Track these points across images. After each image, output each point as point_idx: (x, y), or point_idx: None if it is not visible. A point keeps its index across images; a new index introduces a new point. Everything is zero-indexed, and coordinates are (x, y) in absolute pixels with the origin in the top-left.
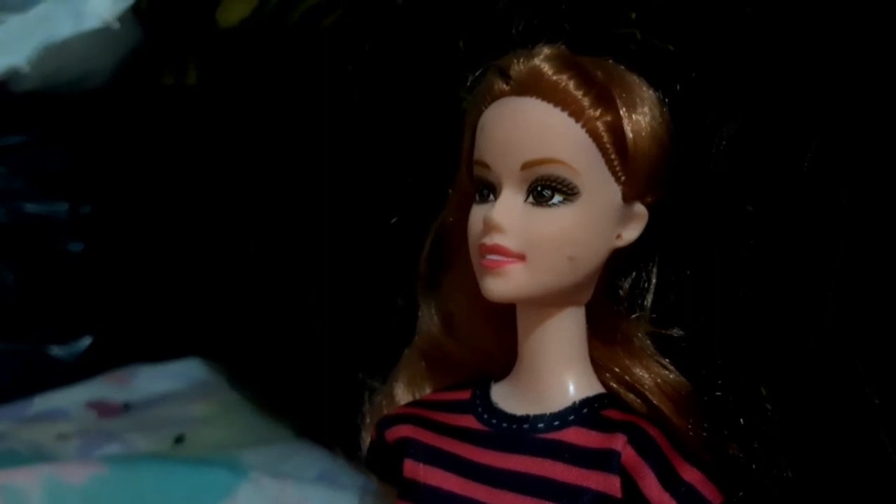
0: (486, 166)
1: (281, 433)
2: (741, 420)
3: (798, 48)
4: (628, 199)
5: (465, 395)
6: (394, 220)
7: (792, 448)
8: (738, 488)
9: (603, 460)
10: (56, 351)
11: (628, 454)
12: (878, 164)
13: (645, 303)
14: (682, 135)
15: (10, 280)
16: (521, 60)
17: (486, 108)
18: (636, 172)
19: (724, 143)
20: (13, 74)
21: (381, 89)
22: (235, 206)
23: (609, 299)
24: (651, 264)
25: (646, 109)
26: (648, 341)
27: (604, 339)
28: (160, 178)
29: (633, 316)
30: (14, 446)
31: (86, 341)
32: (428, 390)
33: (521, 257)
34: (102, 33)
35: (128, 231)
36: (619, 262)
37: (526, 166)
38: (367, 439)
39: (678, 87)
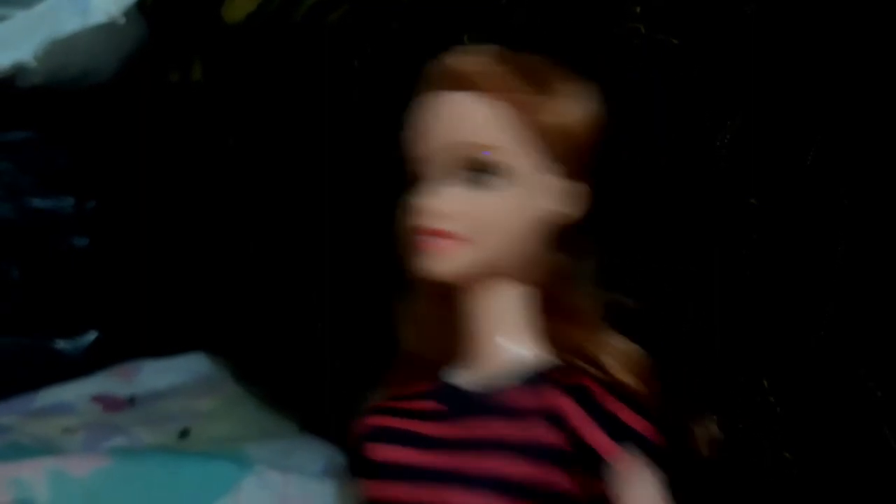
0: (420, 160)
1: (285, 427)
2: (744, 411)
3: (800, 45)
4: (560, 176)
5: (427, 385)
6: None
7: (795, 440)
8: (742, 479)
9: (547, 416)
10: (61, 345)
11: (569, 407)
12: (880, 160)
13: (598, 281)
14: (686, 129)
15: (16, 275)
16: (448, 58)
17: (420, 102)
18: (565, 152)
19: (727, 137)
20: (19, 70)
21: (384, 85)
22: (239, 203)
23: (567, 279)
24: (602, 244)
25: (571, 95)
26: (605, 317)
27: (563, 316)
28: (165, 175)
29: (590, 294)
30: (20, 439)
31: (91, 336)
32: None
33: (459, 237)
34: (108, 29)
35: (133, 226)
36: (575, 242)
37: (457, 153)
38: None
39: (682, 81)
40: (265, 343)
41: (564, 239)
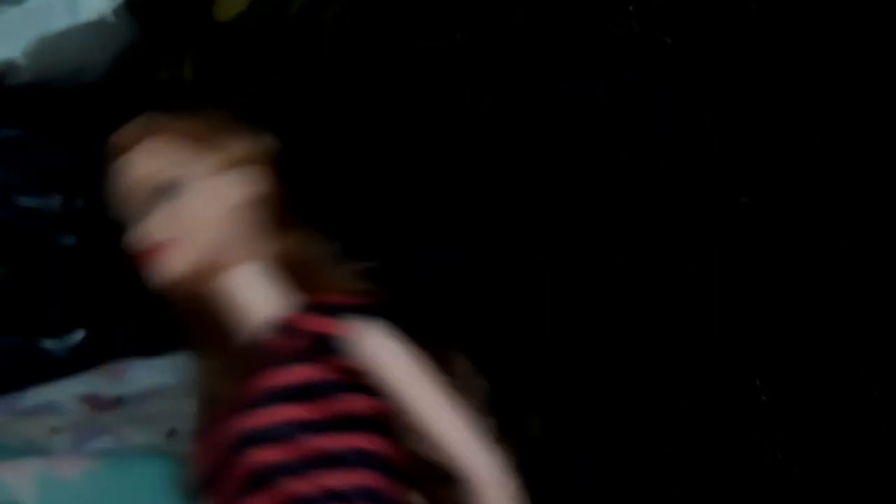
0: (124, 201)
1: None
2: (736, 410)
3: (795, 44)
4: (228, 171)
5: None
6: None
7: (787, 439)
8: (735, 478)
9: (284, 333)
10: (49, 345)
11: (297, 317)
12: (875, 160)
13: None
14: (681, 127)
15: (3, 273)
16: (122, 133)
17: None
18: (219, 158)
19: (720, 136)
20: (8, 67)
21: (379, 82)
22: None
23: (302, 251)
24: None
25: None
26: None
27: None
28: None
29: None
30: (6, 440)
31: (79, 335)
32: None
33: (168, 243)
34: (98, 26)
35: (121, 225)
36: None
37: (145, 185)
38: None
39: (675, 79)
40: None
41: (278, 217)
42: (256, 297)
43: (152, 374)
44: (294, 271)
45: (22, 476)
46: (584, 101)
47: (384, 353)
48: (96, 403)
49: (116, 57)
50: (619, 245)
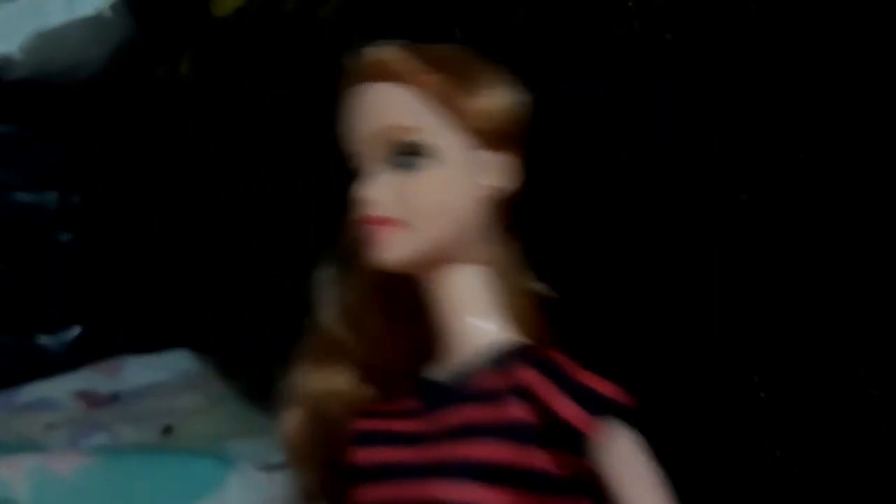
0: (352, 156)
1: (269, 425)
2: (735, 407)
3: (795, 40)
4: (483, 148)
5: (413, 384)
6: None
7: (786, 437)
8: (732, 477)
9: (514, 392)
10: (44, 341)
11: (530, 377)
12: (874, 156)
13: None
14: (680, 124)
15: None
16: (359, 56)
17: (344, 102)
18: (480, 125)
19: (720, 133)
20: (5, 62)
21: None
22: (226, 198)
23: (512, 257)
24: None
25: (480, 71)
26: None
27: (517, 294)
28: (151, 170)
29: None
30: (1, 436)
31: (74, 332)
32: (333, 370)
33: (397, 222)
34: (95, 22)
35: (118, 222)
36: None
37: (379, 141)
38: (282, 421)
39: (676, 77)
40: (250, 340)
41: (504, 216)
42: (471, 309)
43: (148, 371)
44: (505, 286)
45: (15, 471)
46: (584, 99)
47: (629, 469)
48: (92, 400)
49: (113, 53)
50: (618, 244)
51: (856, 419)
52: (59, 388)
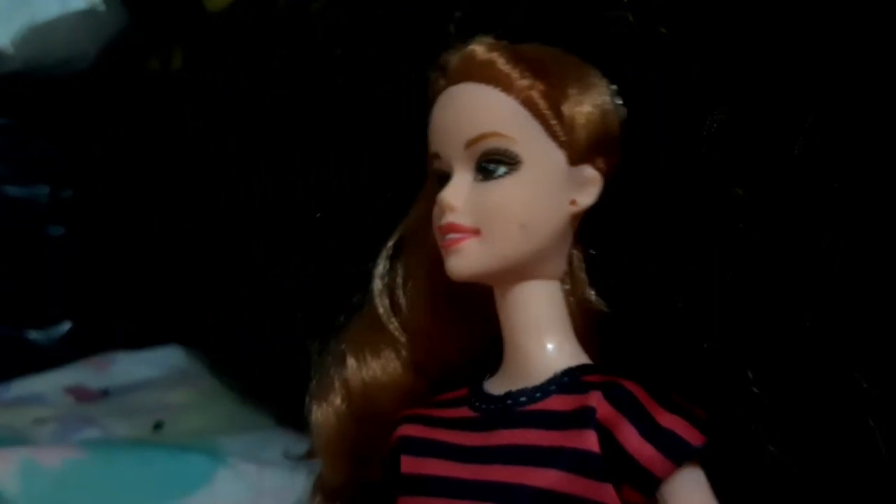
0: (437, 157)
1: (261, 421)
2: (728, 403)
3: (791, 33)
4: (574, 162)
5: (463, 391)
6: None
7: (780, 433)
8: (725, 473)
9: (580, 418)
10: (34, 335)
11: (603, 408)
12: (870, 151)
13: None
14: (673, 118)
15: None
16: (455, 53)
17: (433, 105)
18: (577, 136)
19: (714, 126)
20: None
21: (368, 74)
22: (217, 193)
23: (580, 272)
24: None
25: (580, 77)
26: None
27: (583, 313)
28: (142, 164)
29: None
30: None
31: (65, 326)
32: (376, 363)
33: (476, 232)
34: (87, 15)
35: (109, 216)
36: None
37: (468, 146)
38: (314, 407)
39: (670, 70)
40: (242, 336)
41: (579, 230)
42: (541, 326)
43: (139, 367)
44: (571, 302)
45: (3, 464)
46: None
47: None
48: (82, 395)
49: (105, 46)
50: (611, 241)
51: (850, 415)
52: (49, 383)
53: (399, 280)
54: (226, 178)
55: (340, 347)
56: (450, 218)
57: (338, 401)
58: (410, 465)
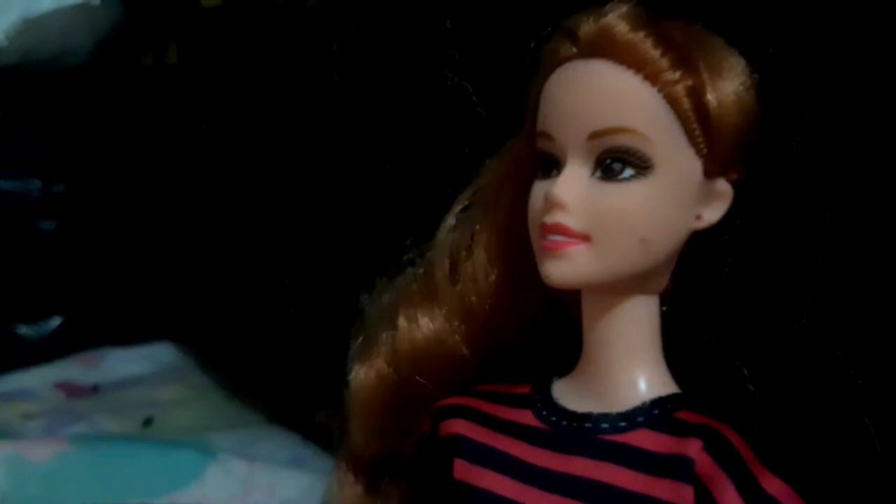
0: (549, 137)
1: (252, 418)
2: (723, 399)
3: (786, 28)
4: (711, 174)
5: (525, 388)
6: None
7: (774, 429)
8: None
9: (674, 467)
10: (24, 330)
11: (703, 461)
12: (866, 147)
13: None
14: None
15: None
16: (591, 20)
17: (551, 73)
18: (720, 145)
19: None
20: None
21: (365, 70)
22: (210, 189)
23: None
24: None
25: (732, 75)
26: None
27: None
28: (135, 159)
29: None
30: None
31: (55, 321)
32: (425, 328)
33: (586, 238)
34: (82, 9)
35: (101, 211)
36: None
37: (593, 136)
38: (356, 367)
39: None
40: (233, 332)
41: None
42: (633, 345)
43: (129, 363)
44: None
45: None
46: None
47: None
48: (71, 390)
49: (100, 41)
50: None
51: (846, 412)
52: (38, 379)
53: (465, 244)
54: (219, 174)
55: (392, 306)
56: (558, 217)
57: (383, 361)
58: (465, 471)
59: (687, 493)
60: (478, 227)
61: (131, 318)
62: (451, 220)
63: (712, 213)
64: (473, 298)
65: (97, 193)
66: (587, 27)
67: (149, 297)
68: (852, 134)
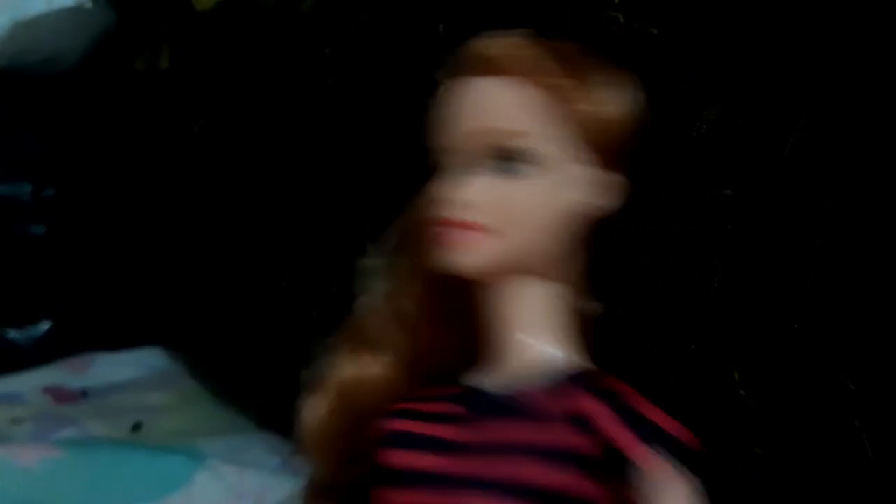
0: (449, 150)
1: (241, 424)
2: (714, 404)
3: (781, 33)
4: (596, 167)
5: (450, 386)
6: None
7: (765, 435)
8: (712, 473)
9: (573, 419)
10: (13, 335)
11: (588, 403)
12: (860, 151)
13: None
14: (664, 118)
15: None
16: (481, 43)
17: (448, 91)
18: (600, 141)
19: (704, 126)
20: None
21: (359, 73)
22: (201, 194)
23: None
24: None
25: (609, 80)
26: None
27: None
28: (126, 164)
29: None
30: None
31: (44, 326)
32: (370, 360)
33: (486, 229)
34: (74, 12)
35: (91, 216)
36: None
37: (488, 140)
38: (307, 407)
39: (661, 71)
40: (222, 338)
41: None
42: (536, 324)
43: (119, 368)
44: (569, 305)
45: None
46: None
47: None
48: (60, 395)
49: (92, 44)
50: (606, 239)
51: (837, 417)
52: (27, 383)
53: (395, 277)
54: (210, 180)
55: (334, 345)
56: (460, 213)
57: (330, 398)
58: (397, 458)
59: (575, 431)
60: (406, 257)
61: (121, 323)
62: (379, 255)
63: (606, 203)
64: (408, 325)
65: (88, 198)
66: (474, 48)
67: (138, 303)
68: (846, 138)
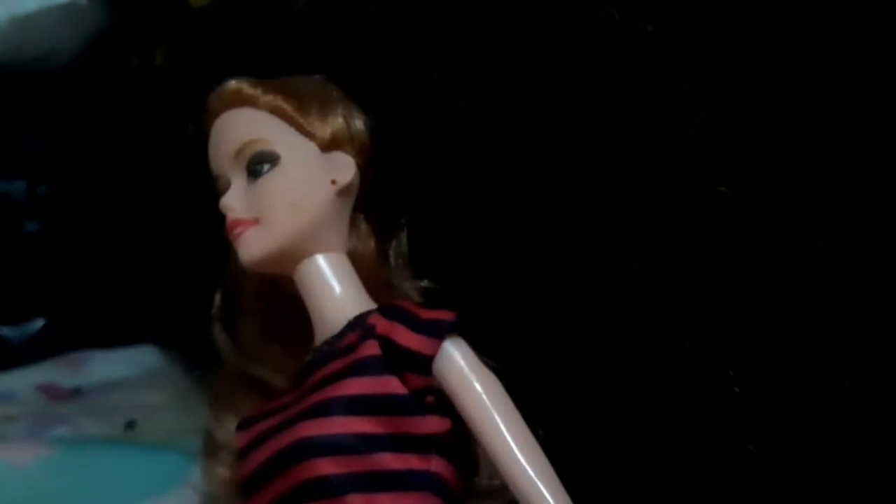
0: (217, 178)
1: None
2: (708, 402)
3: (779, 31)
4: (324, 149)
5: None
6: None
7: (760, 432)
8: (708, 471)
9: (365, 336)
10: (6, 332)
11: (380, 323)
12: (857, 149)
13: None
14: (661, 116)
15: None
16: (217, 92)
17: (207, 133)
18: (321, 128)
19: (701, 125)
20: None
21: (354, 71)
22: (195, 192)
23: (375, 253)
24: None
25: (319, 90)
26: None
27: (379, 286)
28: (120, 161)
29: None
30: None
31: (38, 323)
32: (249, 409)
33: (255, 221)
34: (69, 9)
35: (85, 213)
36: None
37: (235, 156)
38: (210, 468)
39: (660, 70)
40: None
41: (362, 214)
42: (334, 289)
43: (113, 366)
44: (366, 270)
45: None
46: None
47: (464, 376)
48: (54, 393)
49: (87, 42)
50: (598, 238)
51: (834, 416)
52: (20, 381)
53: (235, 316)
54: (205, 178)
55: (210, 408)
56: (231, 215)
57: (223, 461)
58: (243, 438)
59: (373, 345)
60: (239, 293)
61: (114, 321)
62: (217, 301)
63: (342, 177)
64: (261, 351)
65: (82, 195)
66: (212, 99)
67: (132, 300)
68: (845, 138)
